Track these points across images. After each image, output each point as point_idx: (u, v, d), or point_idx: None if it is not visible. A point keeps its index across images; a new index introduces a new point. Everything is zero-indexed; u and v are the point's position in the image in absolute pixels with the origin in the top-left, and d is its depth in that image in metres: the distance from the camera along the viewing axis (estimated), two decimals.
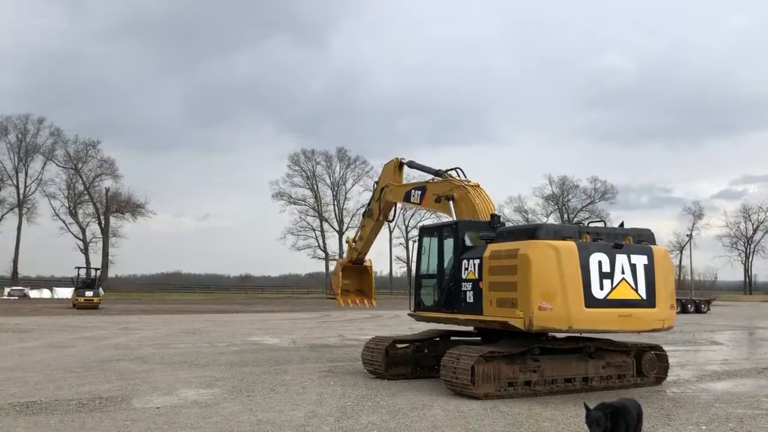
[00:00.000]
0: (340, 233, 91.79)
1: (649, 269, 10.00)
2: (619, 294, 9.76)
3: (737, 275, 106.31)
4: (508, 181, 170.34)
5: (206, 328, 24.26)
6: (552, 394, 10.04)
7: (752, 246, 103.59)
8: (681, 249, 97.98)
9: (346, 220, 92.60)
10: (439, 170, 13.28)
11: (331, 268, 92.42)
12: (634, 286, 9.87)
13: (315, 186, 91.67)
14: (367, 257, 16.39)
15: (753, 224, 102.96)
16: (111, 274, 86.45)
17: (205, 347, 17.10)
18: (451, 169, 12.97)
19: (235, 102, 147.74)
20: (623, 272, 9.83)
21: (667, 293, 10.22)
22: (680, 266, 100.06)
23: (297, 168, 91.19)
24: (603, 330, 10.06)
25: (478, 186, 12.42)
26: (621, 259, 9.85)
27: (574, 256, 9.57)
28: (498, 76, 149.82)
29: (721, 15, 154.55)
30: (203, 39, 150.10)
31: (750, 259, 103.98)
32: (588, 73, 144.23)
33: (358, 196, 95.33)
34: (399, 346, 11.82)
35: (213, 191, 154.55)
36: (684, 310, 44.57)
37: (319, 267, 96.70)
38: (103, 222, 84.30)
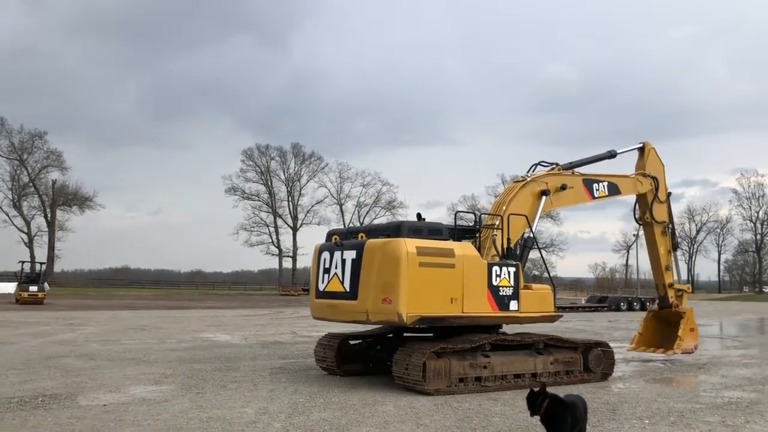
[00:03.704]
0: (295, 230, 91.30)
1: (356, 263, 10.15)
2: (331, 287, 10.69)
3: (682, 274, 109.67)
4: (463, 181, 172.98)
5: (156, 325, 23.83)
6: (502, 389, 10.20)
7: (695, 246, 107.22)
8: (628, 249, 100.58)
9: (301, 216, 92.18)
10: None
11: (285, 264, 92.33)
12: (341, 280, 10.40)
13: (269, 181, 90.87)
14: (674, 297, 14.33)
15: (696, 225, 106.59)
16: (57, 268, 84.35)
17: (155, 344, 16.80)
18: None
19: (192, 99, 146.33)
20: (336, 267, 10.55)
21: (379, 287, 9.73)
22: (627, 265, 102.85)
23: (251, 163, 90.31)
24: (322, 318, 11.25)
25: (521, 179, 12.47)
26: (337, 255, 10.59)
27: (316, 255, 11.27)
28: (453, 79, 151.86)
29: (663, 26, 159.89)
30: (162, 36, 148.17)
31: (693, 259, 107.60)
32: (538, 79, 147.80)
33: (313, 192, 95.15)
34: (352, 342, 11.84)
35: (166, 186, 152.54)
36: (630, 307, 45.85)
37: (273, 263, 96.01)
38: (49, 215, 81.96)
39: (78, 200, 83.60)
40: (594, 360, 11.43)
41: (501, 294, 10.51)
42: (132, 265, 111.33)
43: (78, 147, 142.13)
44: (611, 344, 12.20)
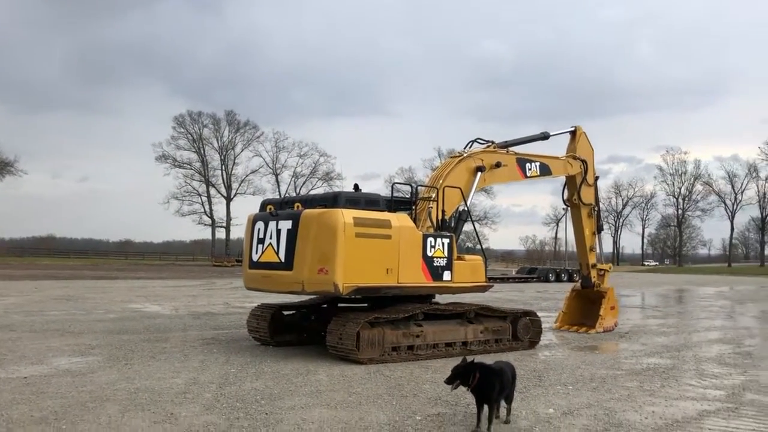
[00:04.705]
0: (228, 199, 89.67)
1: (292, 234, 10.09)
2: (265, 257, 10.64)
3: (607, 247, 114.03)
4: (400, 154, 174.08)
5: (82, 295, 23.11)
6: (433, 358, 10.39)
7: (621, 220, 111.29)
8: (557, 222, 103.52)
9: (234, 185, 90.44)
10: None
11: (218, 235, 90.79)
12: (276, 250, 10.39)
13: (201, 149, 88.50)
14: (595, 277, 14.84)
15: (623, 200, 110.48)
16: None
17: (81, 314, 16.30)
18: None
19: (123, 63, 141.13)
20: (271, 237, 10.51)
21: (315, 257, 9.73)
22: (556, 238, 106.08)
23: (182, 130, 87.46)
24: (256, 289, 11.12)
25: (458, 155, 12.60)
26: (272, 225, 10.53)
27: (249, 225, 11.13)
28: (393, 53, 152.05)
29: (595, 7, 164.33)
30: None
31: (619, 233, 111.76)
32: (474, 56, 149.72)
33: (248, 161, 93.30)
34: (285, 313, 11.79)
35: (94, 153, 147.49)
36: (558, 278, 47.34)
37: (205, 234, 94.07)
38: None
39: None
40: (522, 329, 11.77)
41: (435, 265, 10.64)
42: (58, 234, 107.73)
43: None
44: (539, 314, 12.58)
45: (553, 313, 16.43)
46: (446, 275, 10.82)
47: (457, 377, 6.20)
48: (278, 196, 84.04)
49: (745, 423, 6.83)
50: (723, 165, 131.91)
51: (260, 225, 10.80)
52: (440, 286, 10.84)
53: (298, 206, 10.54)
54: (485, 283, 11.66)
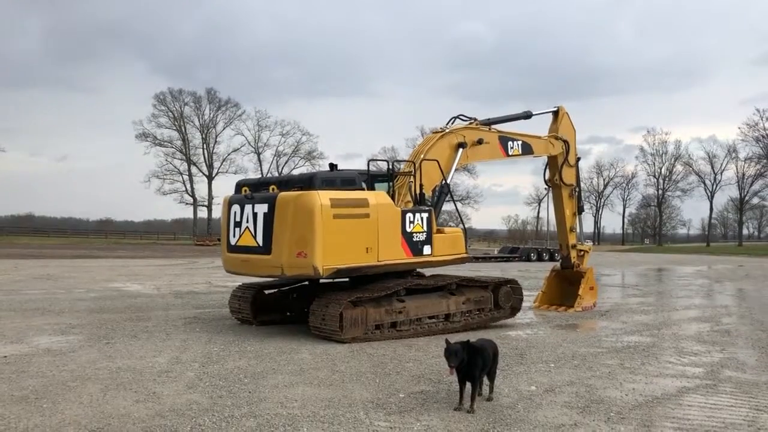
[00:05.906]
0: (210, 178, 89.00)
1: (269, 217, 10.02)
2: (243, 241, 10.54)
3: (588, 227, 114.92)
4: (383, 133, 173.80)
5: (62, 274, 22.90)
6: (417, 335, 10.43)
7: (602, 200, 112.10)
8: (539, 201, 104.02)
9: (216, 164, 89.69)
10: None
11: (200, 214, 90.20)
12: (253, 234, 10.31)
13: (183, 128, 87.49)
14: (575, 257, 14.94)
15: (604, 180, 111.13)
16: None
17: (61, 293, 16.15)
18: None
19: (102, 41, 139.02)
20: (248, 221, 10.42)
21: (293, 241, 9.69)
22: (538, 217, 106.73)
23: (163, 108, 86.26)
24: (235, 272, 11.03)
25: (440, 131, 12.55)
26: (248, 209, 10.43)
27: (225, 208, 11.02)
28: (374, 32, 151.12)
29: None
30: None
31: (600, 212, 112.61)
32: (455, 35, 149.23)
33: (230, 140, 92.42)
34: (267, 292, 11.75)
35: (73, 131, 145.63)
36: (539, 257, 47.67)
37: (187, 213, 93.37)
38: None
39: None
40: (503, 296, 11.88)
41: (414, 240, 10.65)
42: (36, 213, 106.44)
43: None
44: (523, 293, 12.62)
45: (535, 291, 16.53)
46: (426, 249, 10.84)
47: (458, 359, 6.10)
48: (260, 175, 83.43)
49: (723, 399, 6.94)
50: (703, 145, 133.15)
51: (236, 208, 10.65)
52: (421, 261, 10.86)
53: (273, 188, 10.44)
54: (465, 255, 11.69)
